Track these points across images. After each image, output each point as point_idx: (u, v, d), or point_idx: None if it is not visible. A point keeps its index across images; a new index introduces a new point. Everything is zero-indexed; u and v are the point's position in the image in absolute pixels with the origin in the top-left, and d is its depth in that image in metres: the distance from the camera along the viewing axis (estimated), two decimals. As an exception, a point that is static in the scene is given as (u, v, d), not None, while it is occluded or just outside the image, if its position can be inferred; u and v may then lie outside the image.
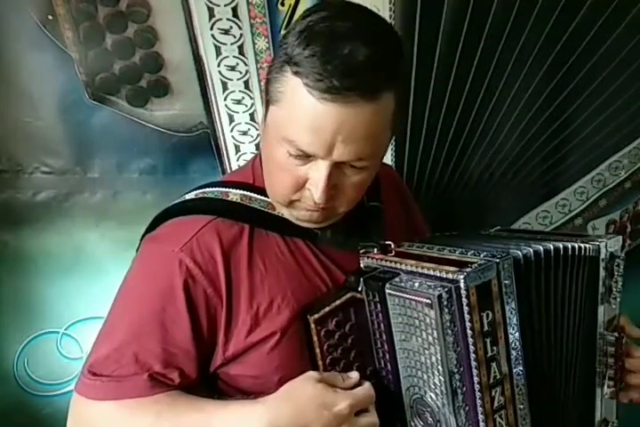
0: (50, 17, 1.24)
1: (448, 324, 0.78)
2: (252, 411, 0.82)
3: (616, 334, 0.98)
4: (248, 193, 0.93)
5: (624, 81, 1.52)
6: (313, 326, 0.86)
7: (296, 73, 0.77)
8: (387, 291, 0.83)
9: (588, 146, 1.58)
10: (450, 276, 0.80)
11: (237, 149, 1.40)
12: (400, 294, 0.82)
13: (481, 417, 0.81)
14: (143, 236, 0.97)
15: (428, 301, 0.78)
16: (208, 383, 0.92)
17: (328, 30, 0.77)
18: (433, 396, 0.83)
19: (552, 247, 0.89)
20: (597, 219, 1.66)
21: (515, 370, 0.85)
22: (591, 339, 0.97)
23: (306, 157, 0.81)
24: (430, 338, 0.80)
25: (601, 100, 1.53)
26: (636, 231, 1.70)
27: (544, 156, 1.56)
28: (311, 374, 0.83)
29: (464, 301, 0.78)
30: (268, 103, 0.84)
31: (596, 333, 0.97)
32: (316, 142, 0.79)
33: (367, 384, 0.85)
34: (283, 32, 1.31)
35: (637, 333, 1.01)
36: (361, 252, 0.94)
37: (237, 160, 1.40)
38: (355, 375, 0.86)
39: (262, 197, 0.92)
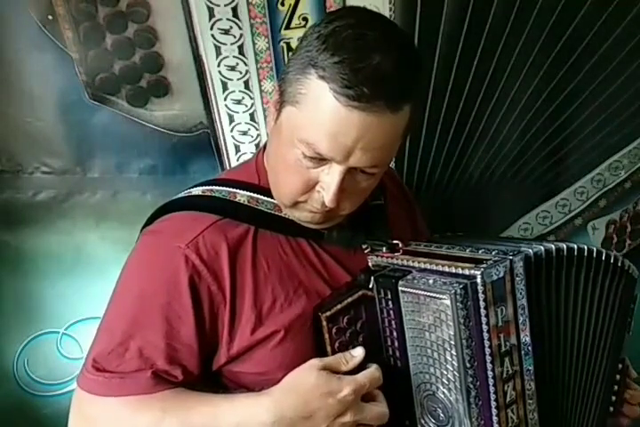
0: (50, 17, 1.24)
1: (463, 319, 0.80)
2: (259, 403, 0.82)
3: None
4: (255, 195, 0.93)
5: (624, 81, 1.52)
6: (324, 323, 0.87)
7: (322, 77, 0.78)
8: (400, 288, 0.84)
9: (588, 146, 1.58)
10: (466, 272, 0.81)
11: (237, 149, 1.40)
12: (414, 290, 0.83)
13: (494, 411, 0.83)
14: (145, 226, 0.97)
15: (444, 297, 0.79)
16: (210, 381, 0.92)
17: (357, 38, 0.78)
18: (445, 392, 0.84)
19: (566, 247, 0.90)
20: (597, 219, 1.66)
21: (525, 365, 0.86)
22: (615, 360, 1.01)
23: (320, 160, 0.82)
24: (445, 334, 0.81)
25: (601, 99, 1.53)
26: (635, 231, 1.70)
27: (544, 156, 1.56)
28: (314, 361, 0.84)
29: (480, 296, 0.80)
30: (282, 103, 0.84)
31: (619, 355, 1.01)
32: (336, 147, 0.79)
33: (373, 367, 0.86)
34: (284, 32, 1.31)
35: (634, 374, 1.08)
36: (367, 251, 0.95)
37: (237, 160, 1.40)
38: (358, 353, 0.86)
39: (269, 199, 0.93)
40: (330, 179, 0.82)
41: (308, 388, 0.82)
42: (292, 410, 0.81)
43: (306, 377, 0.83)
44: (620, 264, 0.97)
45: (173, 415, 0.83)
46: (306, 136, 0.80)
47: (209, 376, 0.92)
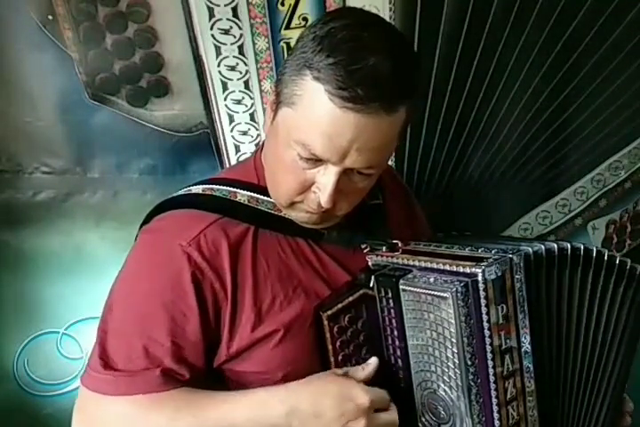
0: (50, 17, 1.24)
1: (464, 317, 0.80)
2: (275, 394, 0.83)
3: None
4: (255, 195, 0.93)
5: (624, 81, 1.52)
6: (326, 322, 0.87)
7: (317, 78, 0.78)
8: (400, 287, 0.85)
9: (588, 146, 1.58)
10: (467, 270, 0.81)
11: (237, 149, 1.40)
12: (415, 289, 0.83)
13: (495, 408, 0.83)
14: (143, 224, 0.97)
15: (445, 295, 0.80)
16: (216, 381, 0.92)
17: (352, 39, 0.78)
18: (447, 389, 0.84)
19: (570, 246, 0.90)
20: (597, 219, 1.66)
21: (524, 363, 0.86)
22: (627, 366, 0.99)
23: (316, 160, 0.82)
24: (446, 332, 0.81)
25: (601, 100, 1.53)
26: (635, 231, 1.70)
27: (544, 156, 1.56)
28: (334, 370, 0.86)
29: (482, 294, 0.80)
30: (278, 104, 0.84)
31: (631, 363, 1.00)
32: (331, 148, 0.79)
33: (384, 392, 0.86)
34: (284, 32, 1.31)
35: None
36: (366, 250, 0.95)
37: (237, 160, 1.40)
38: (372, 361, 0.88)
39: (269, 199, 0.93)
40: (325, 180, 0.82)
41: (325, 385, 0.83)
42: (305, 402, 0.82)
43: (325, 377, 0.85)
44: (638, 272, 0.95)
45: (188, 413, 0.83)
46: (302, 137, 0.80)
47: (214, 376, 0.91)
